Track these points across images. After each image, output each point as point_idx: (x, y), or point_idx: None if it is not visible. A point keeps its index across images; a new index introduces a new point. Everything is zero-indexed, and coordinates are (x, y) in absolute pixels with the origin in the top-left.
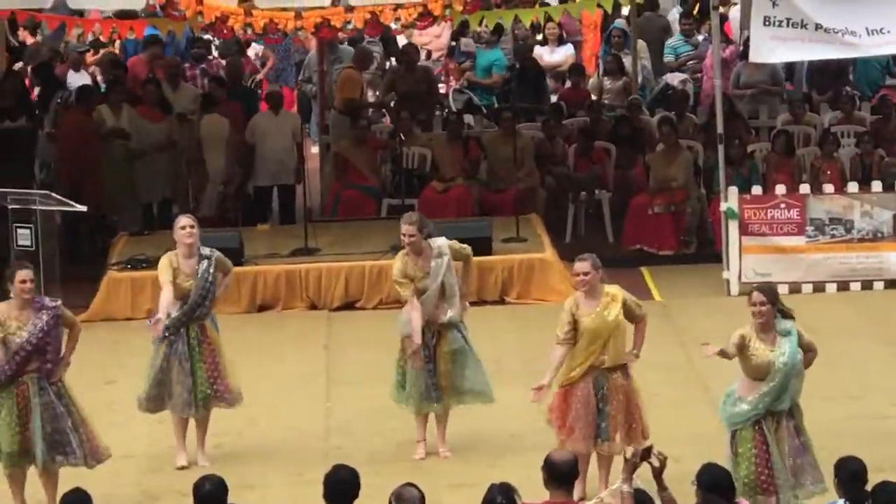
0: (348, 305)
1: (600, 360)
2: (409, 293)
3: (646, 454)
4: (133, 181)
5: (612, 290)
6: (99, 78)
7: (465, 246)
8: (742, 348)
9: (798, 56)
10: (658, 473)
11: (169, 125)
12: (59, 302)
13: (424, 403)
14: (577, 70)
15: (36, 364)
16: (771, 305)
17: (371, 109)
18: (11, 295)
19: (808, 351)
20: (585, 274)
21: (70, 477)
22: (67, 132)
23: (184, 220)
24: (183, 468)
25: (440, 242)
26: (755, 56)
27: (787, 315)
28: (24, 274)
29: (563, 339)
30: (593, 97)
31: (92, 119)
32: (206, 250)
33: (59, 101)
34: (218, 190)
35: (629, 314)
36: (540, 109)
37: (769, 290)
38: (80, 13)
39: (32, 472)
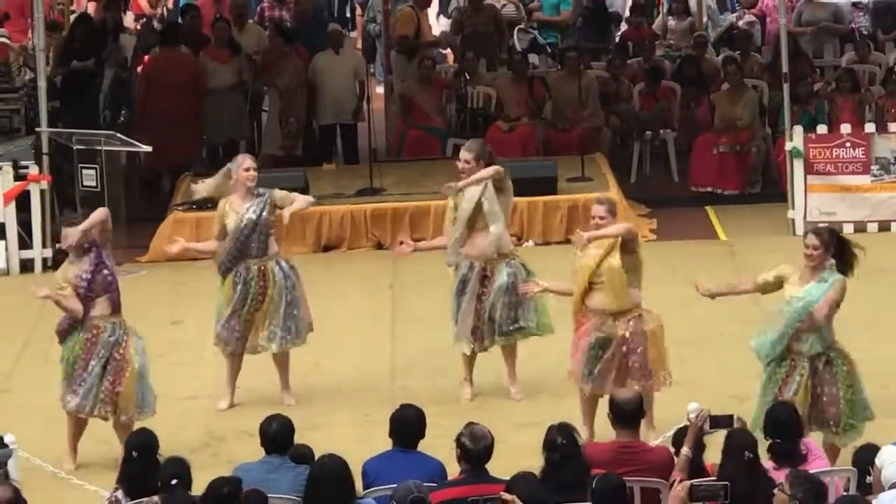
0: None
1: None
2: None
3: (722, 423)
4: (200, 122)
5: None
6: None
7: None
8: (777, 286)
9: None
10: None
11: (238, 65)
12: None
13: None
14: (639, 9)
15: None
16: (824, 250)
17: (431, 48)
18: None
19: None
20: (602, 218)
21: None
22: (164, 73)
23: (248, 162)
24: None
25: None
26: None
27: (843, 268)
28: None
29: None
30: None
31: (188, 60)
32: (262, 190)
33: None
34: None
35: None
36: (605, 49)
37: (825, 234)
38: None
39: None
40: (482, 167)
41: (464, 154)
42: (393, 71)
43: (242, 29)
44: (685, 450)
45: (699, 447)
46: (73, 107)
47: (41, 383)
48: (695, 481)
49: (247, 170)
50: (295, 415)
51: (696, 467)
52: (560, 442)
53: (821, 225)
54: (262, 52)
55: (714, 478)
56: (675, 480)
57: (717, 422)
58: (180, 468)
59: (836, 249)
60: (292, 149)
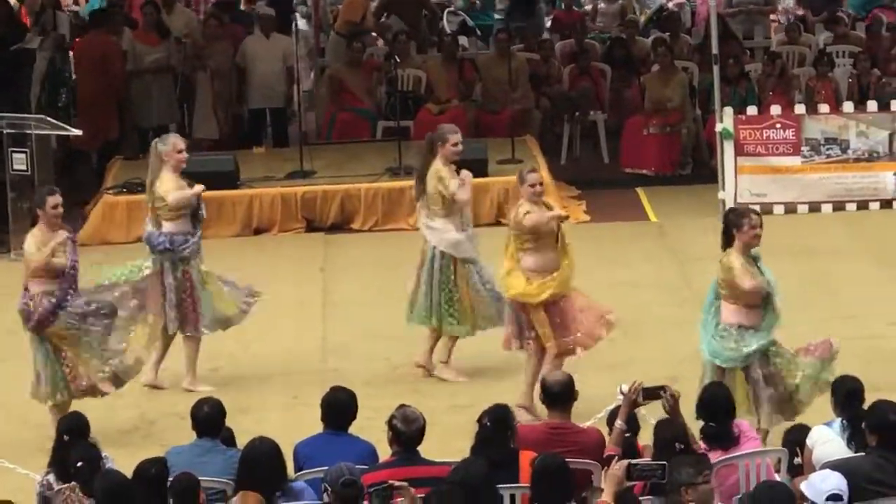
0: (343, 227)
1: None
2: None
3: (654, 394)
4: (129, 105)
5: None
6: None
7: None
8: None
9: None
10: (672, 413)
11: (166, 49)
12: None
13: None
14: None
15: None
16: None
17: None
18: (41, 219)
19: None
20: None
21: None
22: (88, 55)
23: (181, 143)
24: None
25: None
26: None
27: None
28: (55, 199)
29: None
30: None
31: (113, 42)
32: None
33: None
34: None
35: None
36: (539, 32)
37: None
38: None
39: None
40: None
41: (458, 136)
42: (327, 53)
43: (171, 12)
44: (619, 423)
45: (634, 427)
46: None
47: None
48: (632, 461)
49: (180, 151)
50: (225, 398)
51: (630, 447)
52: (484, 423)
53: (751, 206)
54: (192, 33)
55: (649, 459)
56: (610, 456)
57: (651, 393)
58: (87, 452)
59: None
60: (228, 133)
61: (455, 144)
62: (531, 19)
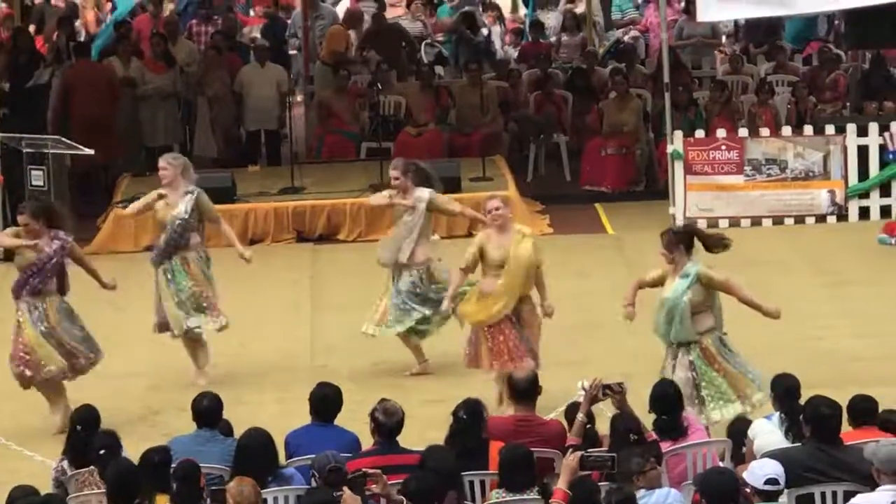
0: (330, 238)
1: None
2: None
3: (606, 391)
4: (137, 126)
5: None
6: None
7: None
8: (660, 283)
9: (741, 14)
10: (620, 408)
11: (171, 76)
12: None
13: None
14: (536, 26)
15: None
16: (673, 250)
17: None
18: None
19: (725, 290)
20: (498, 208)
21: (79, 394)
22: (85, 83)
23: (161, 162)
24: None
25: (420, 195)
26: (703, 16)
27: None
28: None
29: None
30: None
31: (103, 69)
32: (190, 187)
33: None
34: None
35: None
36: (506, 63)
37: (666, 236)
38: None
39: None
40: (410, 180)
41: (391, 172)
42: (315, 81)
43: (175, 43)
44: (580, 416)
45: (590, 417)
46: (20, 115)
47: None
48: (585, 452)
49: (161, 168)
50: (223, 392)
51: (591, 437)
52: (460, 416)
53: (698, 220)
54: (193, 62)
55: (605, 449)
56: (571, 446)
57: (609, 388)
58: (109, 440)
59: (689, 242)
60: (226, 152)
61: (394, 168)
62: (475, 46)
